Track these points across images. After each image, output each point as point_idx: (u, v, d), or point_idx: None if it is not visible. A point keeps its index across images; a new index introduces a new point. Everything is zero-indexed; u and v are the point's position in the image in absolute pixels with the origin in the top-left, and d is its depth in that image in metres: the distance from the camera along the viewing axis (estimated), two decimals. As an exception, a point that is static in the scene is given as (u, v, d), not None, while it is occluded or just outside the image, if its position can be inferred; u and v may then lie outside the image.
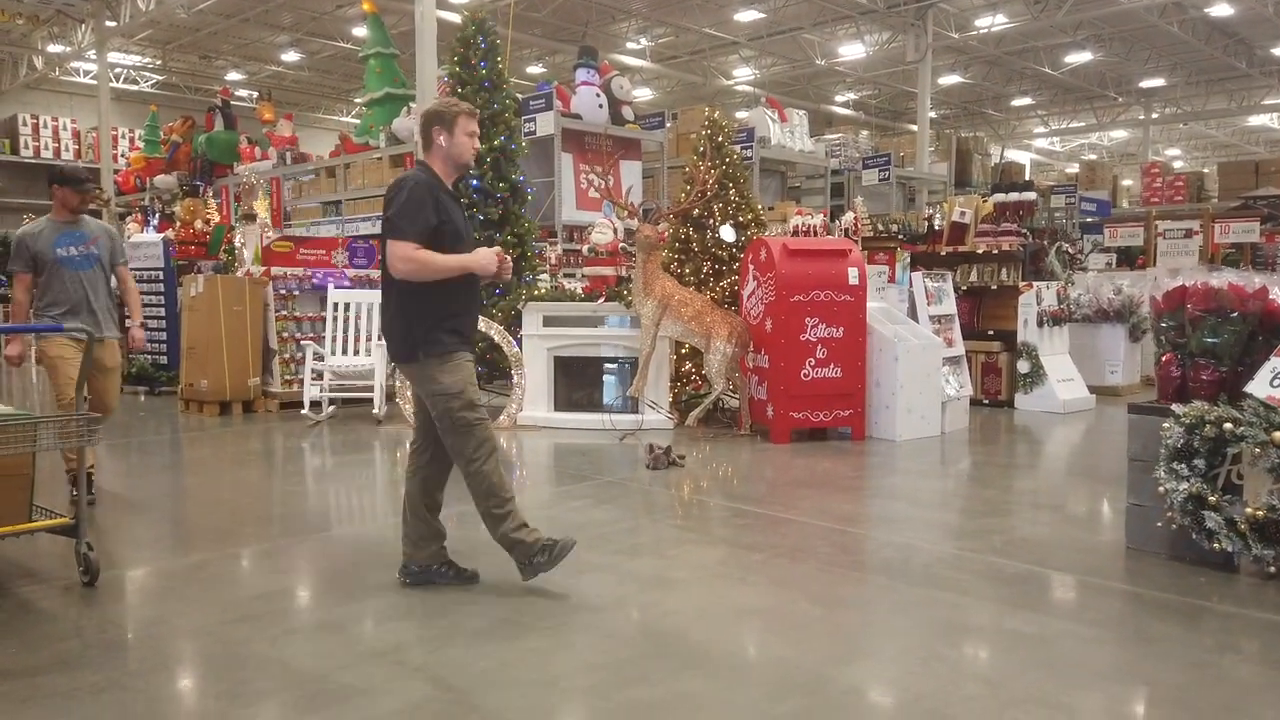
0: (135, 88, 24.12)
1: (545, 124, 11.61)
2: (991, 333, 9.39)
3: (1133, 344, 10.34)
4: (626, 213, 7.89)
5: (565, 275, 10.08)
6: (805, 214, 10.68)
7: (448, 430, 3.74)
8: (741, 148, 12.37)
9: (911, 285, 8.65)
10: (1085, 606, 3.76)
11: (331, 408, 8.57)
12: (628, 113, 12.57)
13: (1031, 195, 9.80)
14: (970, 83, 25.59)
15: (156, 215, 15.98)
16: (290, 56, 23.29)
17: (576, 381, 8.24)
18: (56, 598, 3.83)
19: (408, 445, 4.11)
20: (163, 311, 10.85)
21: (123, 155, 21.93)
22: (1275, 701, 2.86)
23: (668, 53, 22.99)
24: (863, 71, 24.14)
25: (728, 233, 8.13)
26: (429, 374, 3.72)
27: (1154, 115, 28.05)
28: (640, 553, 4.40)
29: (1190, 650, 3.25)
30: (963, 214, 9.69)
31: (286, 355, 9.27)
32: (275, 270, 9.44)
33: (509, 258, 3.91)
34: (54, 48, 21.09)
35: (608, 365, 8.22)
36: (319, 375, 8.48)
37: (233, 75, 24.50)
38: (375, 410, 8.40)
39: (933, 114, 22.19)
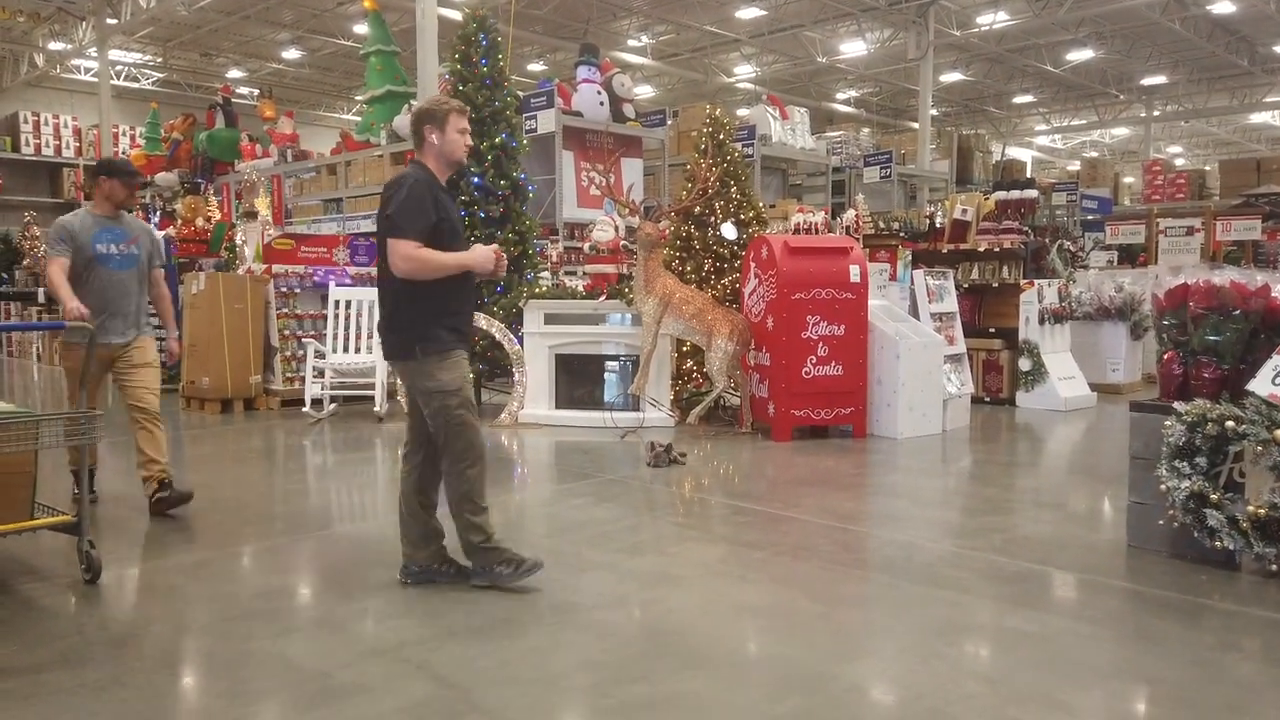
0: (136, 85, 24.10)
1: (546, 121, 11.59)
2: (993, 330, 9.39)
3: (1134, 342, 10.33)
4: (628, 210, 7.89)
5: (566, 273, 10.07)
6: (807, 212, 10.70)
7: (442, 428, 3.74)
8: (743, 145, 12.37)
9: (913, 283, 8.64)
10: (1086, 604, 3.76)
11: (333, 405, 8.57)
12: (629, 110, 12.55)
13: (1033, 193, 9.79)
14: (972, 80, 25.55)
15: (158, 213, 15.99)
16: (291, 54, 23.27)
17: (578, 379, 8.25)
18: (59, 595, 3.83)
19: (400, 448, 4.09)
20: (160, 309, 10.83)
21: (124, 153, 21.91)
22: (1277, 700, 2.86)
23: (669, 50, 22.96)
24: (864, 69, 24.11)
25: (729, 230, 8.13)
26: (427, 370, 3.71)
27: (1155, 113, 28.00)
28: (641, 551, 4.40)
29: (1191, 648, 3.24)
30: (964, 211, 9.68)
31: (288, 353, 9.27)
32: (276, 268, 9.44)
33: (505, 255, 3.91)
34: (55, 45, 21.08)
35: (609, 363, 8.22)
36: (320, 373, 8.48)
37: (234, 73, 24.48)
38: (376, 408, 8.40)
39: (934, 111, 22.16)
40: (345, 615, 3.58)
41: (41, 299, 15.69)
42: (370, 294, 8.80)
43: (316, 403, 8.49)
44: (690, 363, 8.32)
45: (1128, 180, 22.63)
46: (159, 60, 23.39)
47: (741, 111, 20.92)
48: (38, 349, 15.37)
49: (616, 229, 8.26)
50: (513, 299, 8.23)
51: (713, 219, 8.33)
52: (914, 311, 8.39)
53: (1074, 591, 3.94)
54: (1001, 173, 18.82)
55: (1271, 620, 3.50)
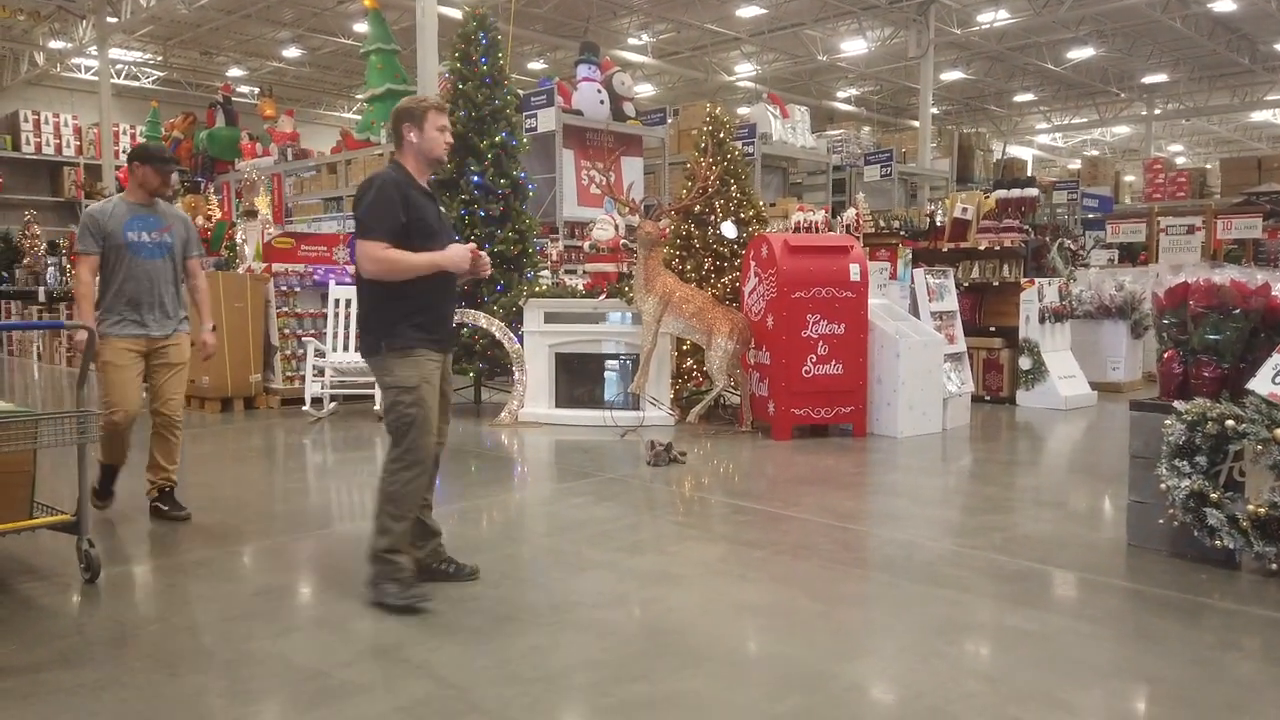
0: (136, 84, 24.09)
1: (546, 120, 11.59)
2: (993, 329, 9.38)
3: (1135, 340, 10.33)
4: (628, 209, 7.88)
5: (567, 272, 10.06)
6: (807, 210, 10.70)
7: (391, 424, 3.70)
8: (743, 144, 12.36)
9: (913, 282, 8.64)
10: (1086, 603, 3.75)
11: (333, 404, 8.57)
12: (629, 109, 12.54)
13: (1033, 191, 9.78)
14: (972, 78, 25.54)
15: (158, 211, 15.95)
16: (291, 52, 23.27)
17: (578, 378, 8.24)
18: (58, 594, 3.83)
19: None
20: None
21: (124, 151, 21.89)
22: (1276, 699, 2.86)
23: (669, 48, 22.95)
24: (864, 67, 24.10)
25: (729, 229, 8.12)
26: (388, 365, 3.68)
27: (1156, 111, 27.98)
28: (641, 550, 4.40)
29: (1191, 647, 3.24)
30: (965, 210, 9.67)
31: (288, 352, 9.27)
32: (276, 267, 9.44)
33: (485, 254, 3.85)
34: (55, 44, 21.08)
35: (609, 362, 8.22)
36: (320, 372, 8.48)
37: (234, 71, 24.48)
38: (376, 407, 8.38)
39: (935, 110, 22.14)
40: (345, 614, 3.57)
41: (41, 298, 15.69)
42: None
43: (316, 401, 8.49)
44: (690, 361, 8.32)
45: (1128, 179, 22.62)
46: (159, 59, 23.39)
47: (742, 110, 20.92)
48: (38, 348, 15.37)
49: (616, 227, 8.26)
50: (513, 298, 8.23)
51: (713, 217, 8.32)
52: (914, 310, 8.39)
53: (1074, 590, 3.94)
54: (1002, 171, 18.82)
55: (1271, 619, 3.50)
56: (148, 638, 3.39)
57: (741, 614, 3.59)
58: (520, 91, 11.15)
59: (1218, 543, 3.83)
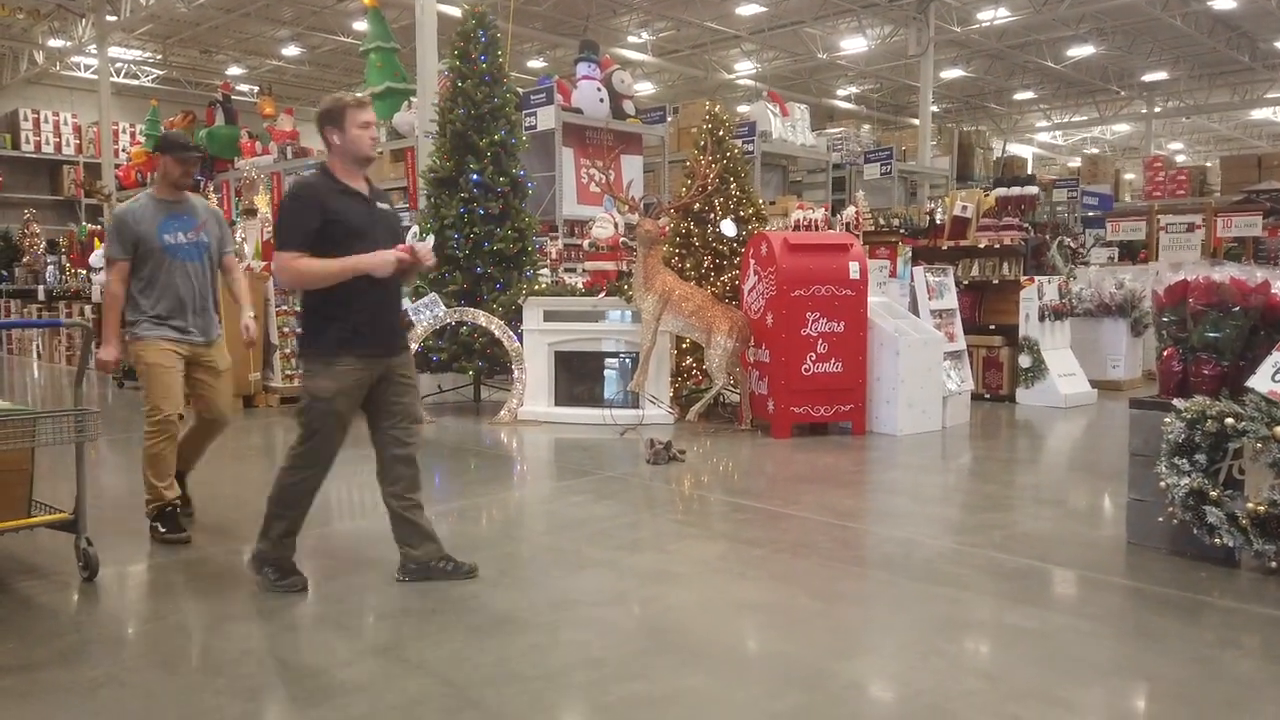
0: (136, 82, 24.08)
1: (546, 118, 11.58)
2: (993, 327, 9.37)
3: (1134, 338, 10.32)
4: (627, 207, 7.87)
5: (566, 270, 10.06)
6: (807, 208, 10.69)
7: (300, 424, 3.73)
8: (743, 142, 12.33)
9: (913, 280, 8.64)
10: (1086, 601, 3.75)
11: (332, 403, 8.55)
12: (629, 107, 12.53)
13: (1033, 189, 9.78)
14: (972, 76, 25.53)
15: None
16: (291, 51, 23.26)
17: (577, 376, 8.24)
18: (56, 593, 3.83)
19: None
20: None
21: (124, 150, 21.90)
22: (1276, 697, 2.86)
23: (669, 47, 22.93)
24: (864, 65, 24.09)
25: (729, 227, 8.12)
26: (311, 370, 3.70)
27: (1156, 109, 27.98)
28: (640, 548, 4.39)
29: (1191, 645, 3.24)
30: (964, 208, 9.66)
31: (287, 350, 9.26)
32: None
33: (423, 250, 3.75)
34: (55, 42, 21.06)
35: (608, 360, 8.22)
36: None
37: (233, 70, 24.47)
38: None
39: (935, 108, 22.12)
40: (343, 613, 3.57)
41: (41, 296, 15.68)
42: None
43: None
44: (690, 359, 8.32)
45: (1128, 177, 22.61)
46: (159, 57, 23.38)
47: (742, 108, 20.90)
48: (37, 346, 15.36)
49: (616, 226, 8.25)
50: (512, 296, 8.23)
51: (712, 216, 8.32)
52: (914, 308, 8.38)
53: (1074, 588, 3.94)
54: (1002, 169, 18.80)
55: (1271, 617, 3.50)
56: (146, 636, 3.39)
57: (741, 612, 3.59)
58: (520, 89, 11.14)
59: (1217, 541, 3.83)
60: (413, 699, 2.83)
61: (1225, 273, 4.14)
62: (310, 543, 4.58)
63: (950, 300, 8.68)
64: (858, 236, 9.02)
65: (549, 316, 8.02)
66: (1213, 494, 3.85)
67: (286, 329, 9.30)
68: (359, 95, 3.85)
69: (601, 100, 12.00)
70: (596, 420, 7.71)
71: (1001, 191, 9.71)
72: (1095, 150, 32.22)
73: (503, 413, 8.02)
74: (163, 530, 4.52)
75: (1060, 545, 4.42)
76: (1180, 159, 30.79)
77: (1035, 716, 2.71)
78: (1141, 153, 26.62)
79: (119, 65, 23.13)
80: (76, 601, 3.74)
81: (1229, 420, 3.81)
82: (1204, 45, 22.01)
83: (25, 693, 2.88)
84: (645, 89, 24.65)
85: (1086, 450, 7.41)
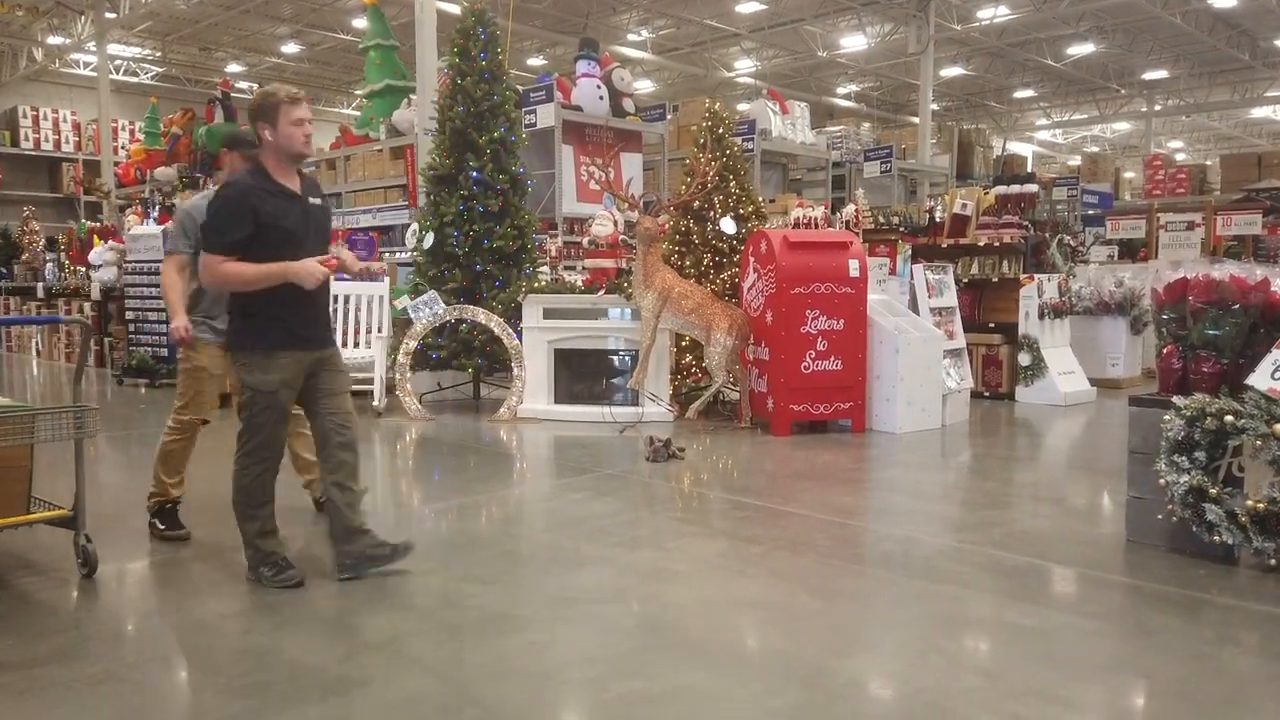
0: (135, 80, 24.08)
1: (546, 116, 11.58)
2: (992, 325, 9.38)
3: (1134, 336, 10.32)
4: (627, 205, 7.87)
5: (565, 268, 10.06)
6: (806, 206, 10.67)
7: (245, 421, 3.76)
8: (743, 140, 12.34)
9: (912, 278, 8.64)
10: (1085, 599, 3.75)
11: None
12: (628, 105, 12.53)
13: (1033, 187, 9.77)
14: (972, 75, 25.52)
15: (156, 207, 15.95)
16: (290, 48, 23.25)
17: (577, 374, 8.24)
18: (55, 590, 3.83)
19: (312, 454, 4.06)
20: (163, 304, 10.81)
21: (123, 147, 21.90)
22: (1275, 694, 2.86)
23: (669, 44, 22.92)
24: (864, 63, 24.08)
25: (728, 225, 8.11)
26: (250, 365, 3.71)
27: (1156, 107, 27.97)
28: (640, 545, 4.39)
29: (1190, 643, 3.24)
30: (964, 206, 9.66)
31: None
32: (275, 262, 9.40)
33: (349, 259, 3.81)
34: (54, 40, 21.05)
35: (608, 358, 8.21)
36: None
37: (233, 67, 24.45)
38: (375, 402, 8.38)
39: (934, 106, 22.12)
40: (342, 609, 3.57)
41: (40, 294, 15.67)
42: (370, 289, 8.81)
43: (315, 397, 8.47)
44: (689, 357, 8.32)
45: (1128, 175, 22.62)
46: (158, 55, 23.37)
47: (741, 106, 20.87)
48: (37, 344, 15.36)
49: (615, 224, 8.25)
50: (511, 293, 8.22)
51: (712, 214, 8.31)
52: (913, 306, 8.38)
53: (1073, 586, 3.94)
54: (1002, 167, 18.80)
55: (1270, 615, 3.50)
56: (145, 632, 3.39)
57: (740, 609, 3.59)
58: (519, 87, 11.13)
59: (1216, 538, 3.83)
60: (412, 695, 2.83)
61: (1225, 270, 4.14)
62: (303, 542, 4.59)
63: (950, 298, 8.68)
64: (857, 234, 9.01)
65: (548, 314, 8.02)
66: (1212, 491, 3.85)
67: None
68: (294, 90, 3.83)
69: (601, 98, 12.00)
70: (596, 418, 7.70)
71: (1001, 189, 9.70)
72: (1095, 148, 32.22)
73: (502, 410, 8.02)
74: (161, 527, 4.54)
75: (1059, 543, 4.42)
76: (1180, 157, 30.80)
77: (1034, 714, 2.71)
78: (1141, 151, 26.63)
79: (118, 62, 23.12)
80: (75, 598, 3.74)
81: (1228, 418, 3.81)
82: (1204, 43, 22.00)
83: (24, 689, 2.87)
84: (645, 87, 24.65)
85: (1086, 448, 7.41)
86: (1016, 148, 27.26)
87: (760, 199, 9.12)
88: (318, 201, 3.91)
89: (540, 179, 10.65)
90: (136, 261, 11.16)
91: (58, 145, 22.92)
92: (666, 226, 7.96)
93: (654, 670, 2.99)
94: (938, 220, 9.86)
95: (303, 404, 3.92)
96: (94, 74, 21.16)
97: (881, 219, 10.44)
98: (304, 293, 3.70)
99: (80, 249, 14.61)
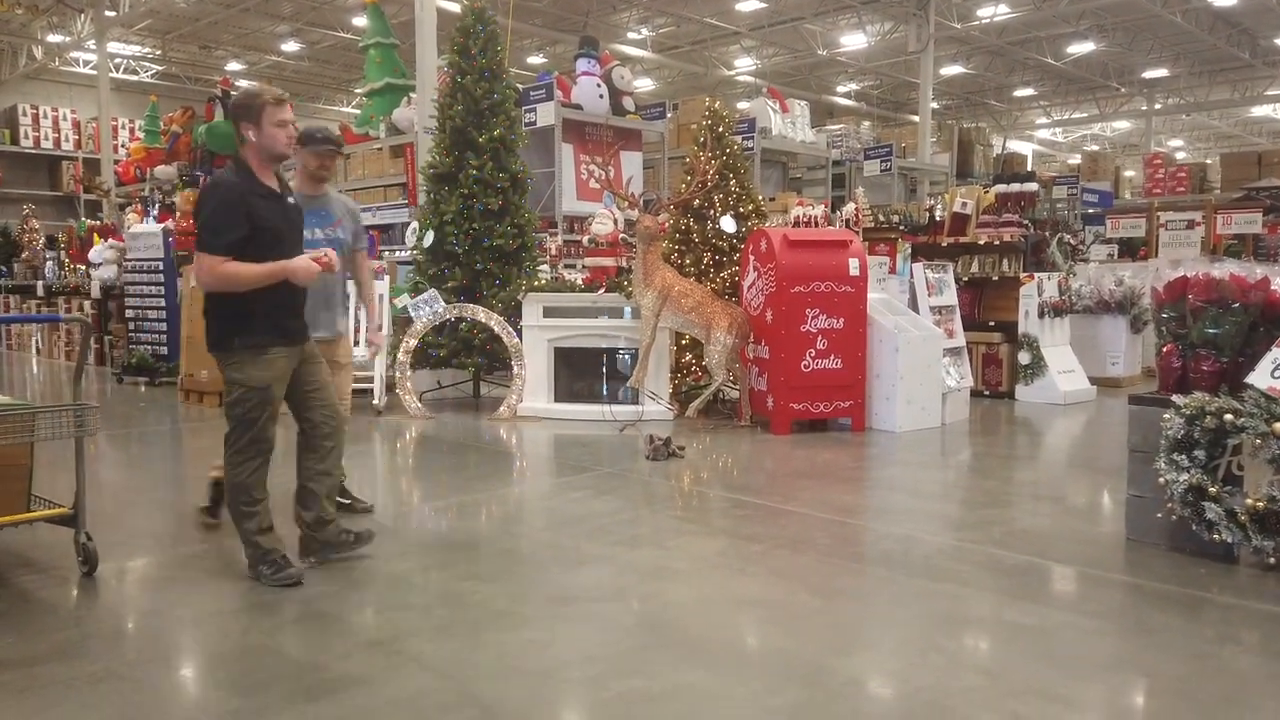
0: (135, 78, 24.06)
1: (546, 114, 11.57)
2: (992, 324, 9.37)
3: (1134, 335, 10.32)
4: (627, 203, 7.87)
5: (565, 266, 10.06)
6: (806, 205, 10.66)
7: (235, 419, 3.80)
8: (743, 138, 12.34)
9: (912, 276, 8.64)
10: (1085, 598, 3.75)
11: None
12: (628, 103, 12.52)
13: (1033, 186, 9.77)
14: (972, 73, 25.51)
15: (156, 206, 15.94)
16: (290, 46, 23.24)
17: (577, 372, 8.24)
18: (55, 588, 3.83)
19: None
20: (163, 302, 10.83)
21: (123, 146, 21.87)
22: (1275, 692, 2.86)
23: (669, 43, 22.91)
24: (864, 62, 24.06)
25: (728, 224, 8.11)
26: (239, 362, 3.74)
27: (1156, 106, 27.95)
28: (640, 544, 4.39)
29: (1190, 641, 3.24)
30: (964, 205, 9.66)
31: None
32: (275, 261, 9.39)
33: (331, 258, 3.81)
34: (53, 38, 21.04)
35: (608, 356, 8.21)
36: (319, 366, 8.45)
37: (233, 65, 24.44)
38: (375, 401, 8.39)
39: (935, 105, 22.11)
40: (342, 607, 3.57)
41: (40, 292, 15.67)
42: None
43: (315, 396, 8.46)
44: (689, 356, 8.32)
45: (1128, 174, 22.63)
46: (158, 53, 23.35)
47: (741, 104, 20.85)
48: (37, 342, 15.36)
49: (615, 222, 8.25)
50: (511, 292, 8.22)
51: (712, 212, 8.31)
52: (913, 305, 8.38)
53: (1073, 584, 3.94)
54: (1002, 166, 18.80)
55: (1270, 613, 3.50)
56: (145, 631, 3.39)
57: (740, 608, 3.59)
58: (519, 85, 11.12)
59: (1216, 537, 3.83)
60: (411, 693, 2.83)
61: (1225, 269, 4.14)
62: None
63: (950, 297, 8.68)
64: (857, 233, 9.01)
65: (548, 312, 8.02)
66: (1212, 490, 3.85)
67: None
68: (279, 92, 3.83)
69: (601, 96, 12.00)
70: (596, 416, 7.70)
71: (1001, 188, 9.70)
72: (1095, 147, 32.20)
73: (502, 409, 8.02)
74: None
75: (1059, 541, 4.42)
76: (1180, 156, 30.81)
77: (1034, 712, 2.71)
78: (1141, 150, 26.62)
79: (118, 61, 23.11)
80: (76, 596, 3.74)
81: (1228, 416, 3.81)
82: (1204, 42, 21.99)
83: (24, 687, 2.88)
84: (645, 85, 24.64)
85: (1085, 447, 7.41)
86: (1016, 146, 27.25)
87: (760, 197, 9.12)
88: (293, 200, 3.96)
89: (540, 177, 10.65)
90: (136, 260, 11.16)
91: (57, 143, 22.89)
92: (666, 225, 7.96)
93: (654, 669, 2.99)
94: (938, 219, 9.86)
95: (288, 397, 3.95)
96: (94, 72, 21.14)
97: (881, 217, 10.43)
98: (293, 289, 3.75)
99: (80, 247, 14.61)
